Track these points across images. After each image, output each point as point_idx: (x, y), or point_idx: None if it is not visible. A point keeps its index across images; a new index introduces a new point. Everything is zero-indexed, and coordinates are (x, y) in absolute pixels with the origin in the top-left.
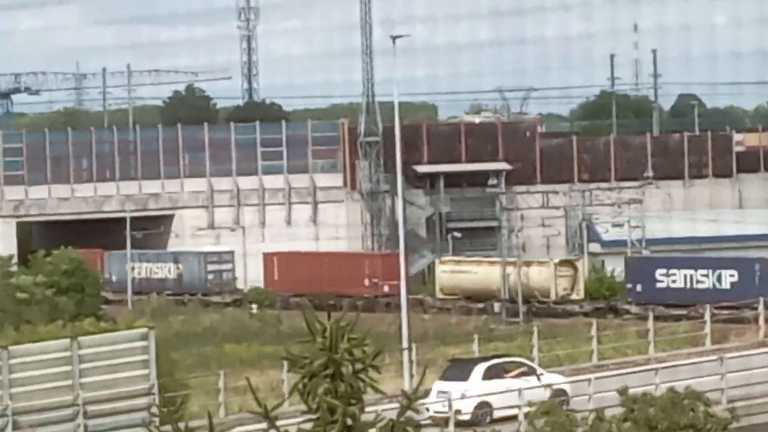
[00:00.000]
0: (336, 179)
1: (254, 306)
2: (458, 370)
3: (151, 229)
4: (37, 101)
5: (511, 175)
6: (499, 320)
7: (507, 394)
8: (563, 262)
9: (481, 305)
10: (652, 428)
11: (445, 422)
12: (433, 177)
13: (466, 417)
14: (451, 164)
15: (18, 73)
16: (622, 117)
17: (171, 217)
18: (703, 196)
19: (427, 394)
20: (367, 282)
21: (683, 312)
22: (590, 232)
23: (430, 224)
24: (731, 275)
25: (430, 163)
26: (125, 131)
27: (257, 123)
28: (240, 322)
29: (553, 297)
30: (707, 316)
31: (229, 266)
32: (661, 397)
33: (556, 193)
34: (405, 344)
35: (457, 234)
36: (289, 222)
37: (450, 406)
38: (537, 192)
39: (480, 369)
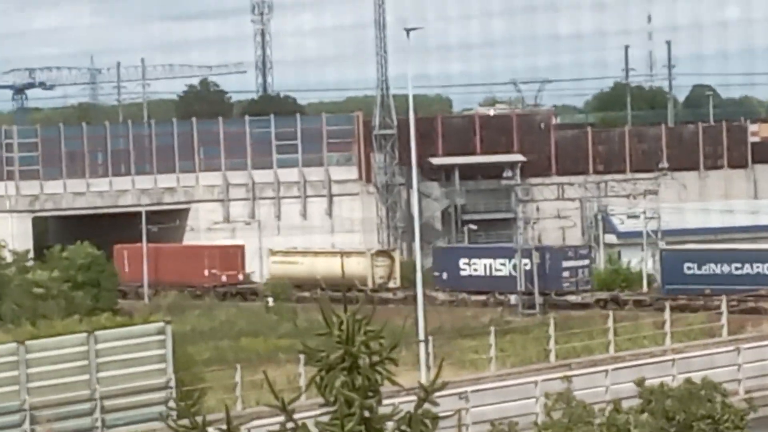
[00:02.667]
0: (351, 172)
1: (270, 299)
2: None
3: (167, 223)
4: (52, 96)
5: (526, 167)
6: (515, 312)
7: None
8: (380, 253)
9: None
10: (669, 419)
11: None
12: (448, 169)
13: None
14: (466, 156)
15: (32, 68)
16: (637, 108)
17: (186, 211)
18: (718, 186)
19: (444, 386)
20: (206, 273)
21: (484, 298)
22: (606, 223)
23: (445, 216)
24: (525, 264)
25: (445, 155)
26: (140, 126)
27: (272, 116)
28: (256, 316)
29: (370, 285)
30: (724, 307)
31: None
32: (678, 388)
33: (572, 184)
34: (421, 337)
35: (473, 226)
36: (304, 215)
37: None
38: (552, 184)
39: None
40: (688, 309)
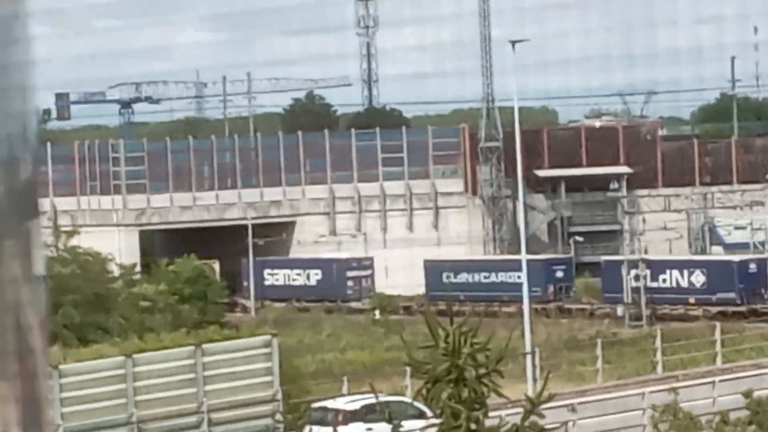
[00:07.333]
0: (457, 185)
1: (377, 312)
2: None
3: (273, 237)
4: (158, 110)
5: (633, 179)
6: (622, 324)
7: None
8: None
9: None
10: None
11: None
12: (554, 181)
13: None
14: (572, 168)
15: (139, 83)
16: (743, 119)
17: (293, 224)
18: None
19: (550, 398)
20: None
21: (284, 304)
22: (713, 234)
23: (551, 229)
24: (316, 274)
25: (550, 167)
26: (246, 139)
27: (378, 129)
28: (362, 329)
29: None
30: None
31: None
32: None
33: (678, 196)
34: (528, 349)
35: (579, 238)
36: (410, 228)
37: None
38: (658, 195)
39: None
40: (444, 314)
